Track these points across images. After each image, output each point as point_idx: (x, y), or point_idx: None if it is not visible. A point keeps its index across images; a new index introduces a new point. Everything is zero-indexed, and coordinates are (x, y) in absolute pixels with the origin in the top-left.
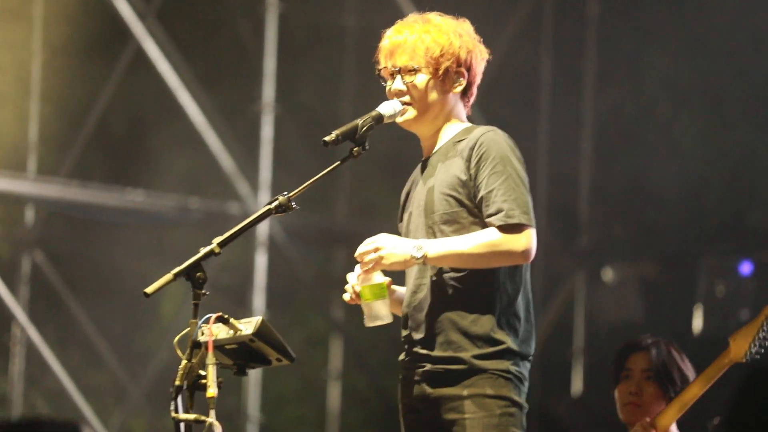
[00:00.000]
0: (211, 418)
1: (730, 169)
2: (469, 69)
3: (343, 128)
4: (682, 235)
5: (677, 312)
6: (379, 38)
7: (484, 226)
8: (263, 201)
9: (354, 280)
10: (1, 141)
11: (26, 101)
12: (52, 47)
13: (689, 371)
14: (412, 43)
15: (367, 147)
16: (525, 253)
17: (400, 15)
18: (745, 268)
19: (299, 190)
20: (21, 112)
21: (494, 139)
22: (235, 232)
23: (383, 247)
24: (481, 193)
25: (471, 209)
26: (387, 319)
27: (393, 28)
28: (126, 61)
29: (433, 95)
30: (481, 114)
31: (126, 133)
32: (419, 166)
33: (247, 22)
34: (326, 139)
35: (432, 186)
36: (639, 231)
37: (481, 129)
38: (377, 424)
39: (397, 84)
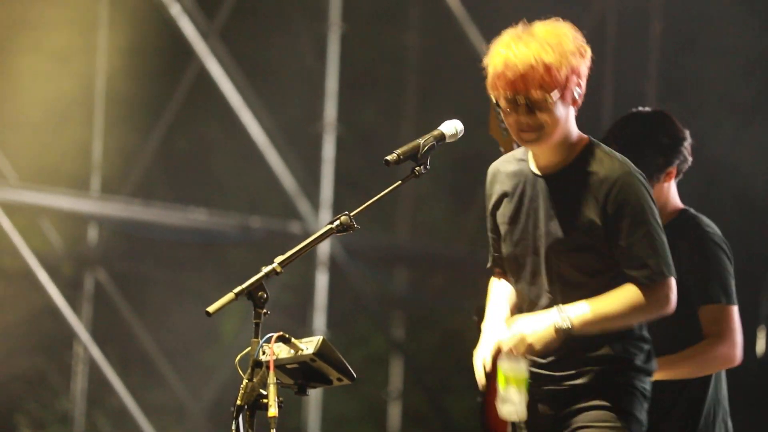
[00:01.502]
0: None
1: None
2: (582, 77)
3: (405, 147)
4: (744, 256)
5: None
6: (440, 56)
7: (614, 268)
8: (324, 220)
9: (480, 359)
10: (66, 160)
11: (90, 120)
12: (115, 66)
13: None
14: (539, 69)
15: (428, 166)
16: (670, 306)
17: (462, 35)
18: None
19: (361, 209)
20: (85, 131)
21: (631, 183)
22: (296, 252)
23: (526, 334)
24: (621, 243)
25: (600, 252)
26: (521, 414)
27: (508, 51)
28: (189, 80)
29: (561, 118)
30: None
31: (189, 152)
32: (531, 176)
33: (310, 41)
34: (388, 158)
35: (560, 214)
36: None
37: (616, 167)
38: None
39: (525, 115)
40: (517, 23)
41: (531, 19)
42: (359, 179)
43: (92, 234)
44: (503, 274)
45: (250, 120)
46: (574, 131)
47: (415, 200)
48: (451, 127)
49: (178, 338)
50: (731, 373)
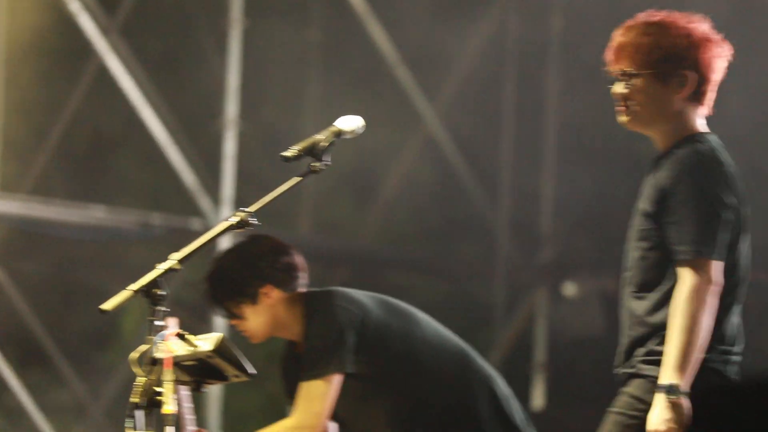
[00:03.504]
0: None
1: None
2: (696, 68)
3: (303, 143)
4: None
5: None
6: (341, 52)
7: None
8: (225, 217)
9: None
10: None
11: None
12: (13, 63)
13: None
14: (633, 45)
15: (328, 162)
16: (714, 285)
17: (363, 31)
18: None
19: (259, 206)
20: None
21: (690, 159)
22: (194, 248)
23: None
24: (669, 218)
25: (659, 228)
26: None
27: (623, 26)
28: (89, 76)
29: (651, 98)
30: (445, 130)
31: (88, 149)
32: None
33: (210, 37)
34: (285, 154)
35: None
36: (601, 246)
37: (688, 147)
38: None
39: (618, 87)
40: (418, 20)
41: (431, 18)
42: (261, 176)
43: None
44: None
45: (151, 116)
46: (686, 126)
47: (317, 196)
48: (350, 123)
49: (77, 337)
50: None
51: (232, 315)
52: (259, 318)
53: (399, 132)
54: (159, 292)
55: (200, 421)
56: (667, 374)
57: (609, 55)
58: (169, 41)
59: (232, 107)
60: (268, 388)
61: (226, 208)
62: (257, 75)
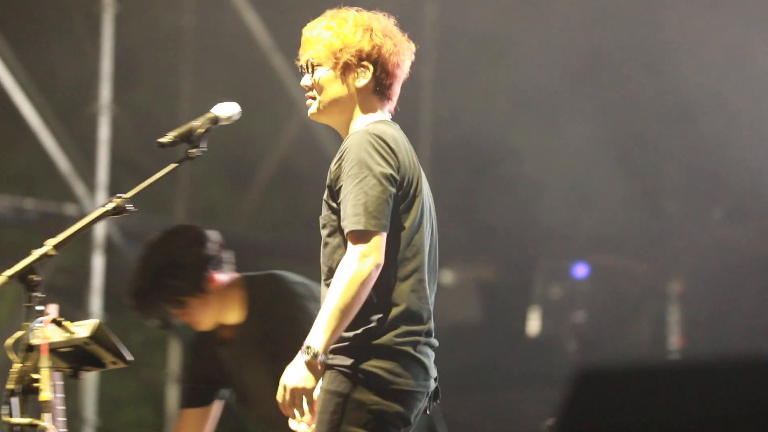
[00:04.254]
0: (46, 422)
1: (566, 172)
2: (376, 63)
3: (179, 130)
4: (518, 238)
5: (513, 314)
6: (215, 38)
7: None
8: (100, 202)
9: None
10: None
11: None
12: None
13: None
14: (315, 37)
15: (204, 148)
16: (373, 257)
17: (238, 17)
18: (580, 270)
19: (135, 192)
20: None
21: (355, 141)
22: (69, 234)
23: (288, 385)
24: (341, 197)
25: (336, 212)
26: None
27: (309, 23)
28: None
29: (334, 90)
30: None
31: None
32: None
33: (83, 22)
34: (161, 140)
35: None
36: (476, 234)
37: (356, 132)
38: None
39: (305, 79)
40: (291, 6)
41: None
42: (136, 161)
43: None
44: None
45: (23, 101)
46: (368, 118)
47: (192, 182)
48: (226, 110)
49: None
50: (507, 352)
51: (176, 308)
52: (205, 306)
53: (275, 118)
54: (34, 277)
55: (75, 406)
56: (314, 337)
57: (300, 46)
58: (40, 23)
59: (105, 92)
60: (144, 374)
61: (101, 194)
62: (130, 60)
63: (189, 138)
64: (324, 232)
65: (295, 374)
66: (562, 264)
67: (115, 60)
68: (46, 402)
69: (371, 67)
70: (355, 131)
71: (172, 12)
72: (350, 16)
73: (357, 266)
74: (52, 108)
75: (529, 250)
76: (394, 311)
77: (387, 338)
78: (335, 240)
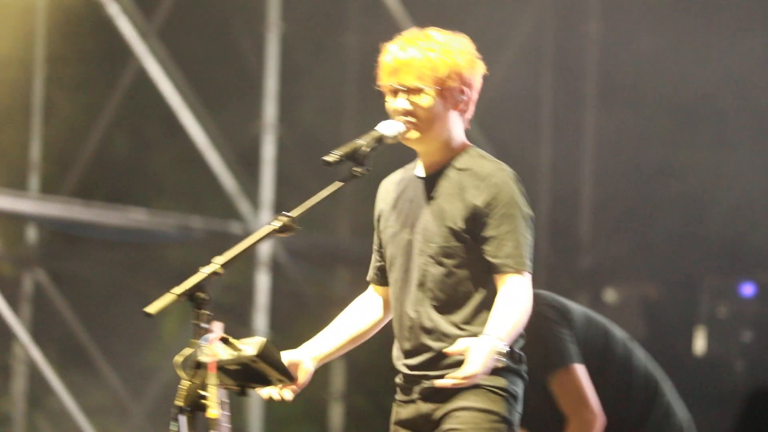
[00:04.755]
0: None
1: (732, 190)
2: (470, 86)
3: (344, 148)
4: (683, 256)
5: (679, 333)
6: (378, 57)
7: (482, 261)
8: (264, 220)
9: None
10: (4, 159)
11: (28, 119)
12: (54, 65)
13: None
14: (418, 62)
15: (369, 167)
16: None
17: (402, 33)
18: (747, 289)
19: (301, 211)
20: (23, 131)
21: (505, 180)
22: (236, 253)
23: (481, 365)
24: (489, 233)
25: (470, 245)
26: None
27: (395, 44)
28: (128, 80)
29: (437, 115)
30: (483, 134)
31: (128, 152)
32: (414, 180)
33: (249, 41)
34: (327, 159)
35: (434, 212)
36: (641, 251)
37: (490, 163)
38: None
39: (402, 103)
40: (453, 22)
41: (469, 20)
42: (300, 179)
43: (31, 234)
44: (379, 282)
45: (190, 120)
46: (458, 137)
47: (355, 200)
48: (391, 128)
49: (118, 338)
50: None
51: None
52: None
53: None
54: (202, 295)
55: (242, 424)
56: (504, 337)
57: (387, 68)
58: (207, 45)
59: (270, 111)
60: (308, 392)
61: (266, 212)
62: (295, 78)
63: (354, 156)
64: (449, 262)
65: (487, 358)
66: (728, 282)
67: (280, 79)
68: (213, 419)
69: (468, 92)
70: (489, 167)
71: (337, 30)
72: (447, 38)
73: (529, 300)
74: (218, 127)
75: (695, 268)
76: (522, 342)
77: (523, 367)
78: (463, 272)
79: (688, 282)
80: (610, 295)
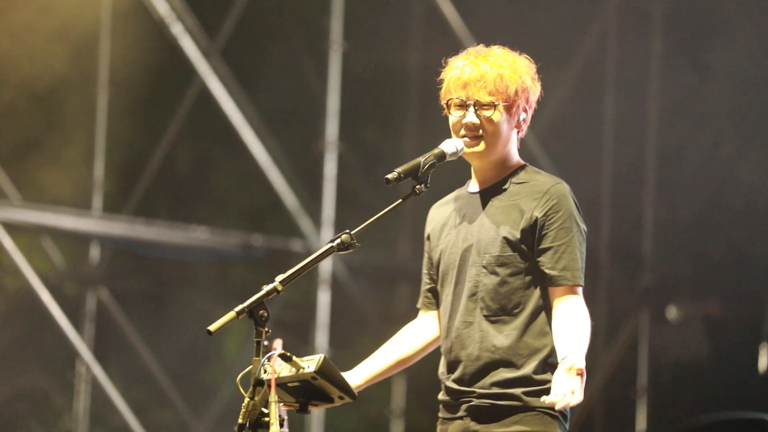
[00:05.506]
0: None
1: None
2: (531, 107)
3: (405, 166)
4: (747, 273)
5: (742, 351)
6: (440, 75)
7: (537, 270)
8: (326, 238)
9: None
10: (67, 179)
11: (92, 139)
12: (117, 85)
13: None
14: (491, 77)
15: (429, 184)
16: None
17: (464, 51)
18: None
19: (362, 228)
20: (87, 150)
21: (563, 193)
22: (297, 270)
23: (567, 393)
24: (546, 244)
25: (525, 254)
26: None
27: (465, 59)
28: (190, 98)
29: (504, 131)
30: (545, 150)
31: (190, 170)
32: (468, 196)
33: (311, 60)
34: (388, 176)
35: (489, 225)
36: (703, 268)
37: (548, 178)
38: None
39: (471, 117)
40: (515, 41)
41: (531, 37)
42: (361, 197)
43: (94, 253)
44: (427, 306)
45: (252, 138)
46: (515, 155)
47: (415, 218)
48: (452, 146)
49: (180, 357)
50: (734, 390)
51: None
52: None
53: None
54: (263, 313)
55: None
56: (578, 354)
57: (457, 82)
58: (269, 63)
59: (332, 129)
60: (368, 409)
61: (327, 229)
62: (357, 97)
63: (415, 174)
64: (503, 271)
65: (579, 384)
66: None
67: (342, 97)
68: None
69: (528, 112)
70: (547, 180)
71: (399, 49)
72: (514, 58)
73: (588, 315)
74: (280, 145)
75: (759, 284)
76: None
77: None
78: (517, 281)
79: (751, 299)
80: (672, 312)
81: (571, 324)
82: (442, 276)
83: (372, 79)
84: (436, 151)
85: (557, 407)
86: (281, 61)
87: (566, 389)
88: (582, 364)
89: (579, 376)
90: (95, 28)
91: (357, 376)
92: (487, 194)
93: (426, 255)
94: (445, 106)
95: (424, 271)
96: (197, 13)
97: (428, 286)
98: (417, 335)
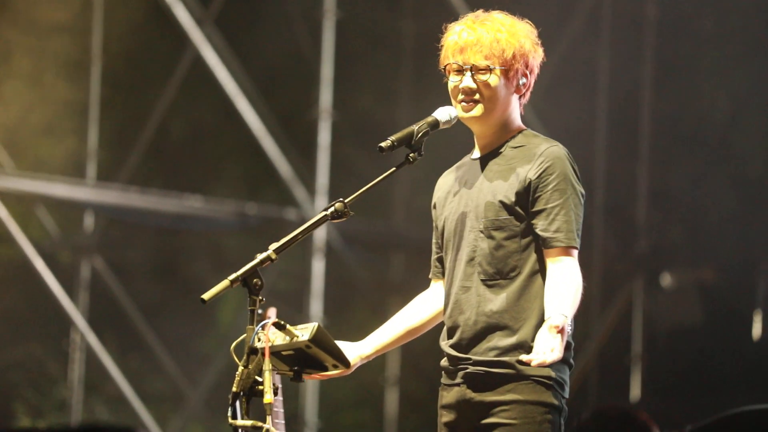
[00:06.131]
0: (268, 424)
1: None
2: (531, 71)
3: (399, 134)
4: (741, 240)
5: (736, 318)
6: (435, 42)
7: (533, 234)
8: (320, 207)
9: None
10: (61, 148)
11: (85, 108)
12: (110, 54)
13: None
14: (487, 41)
15: (422, 152)
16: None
17: (457, 19)
18: None
19: (355, 196)
20: (80, 120)
21: (559, 155)
22: (291, 239)
23: (545, 351)
24: (540, 206)
25: (520, 217)
26: None
27: (463, 24)
28: (184, 67)
29: (502, 95)
30: (539, 117)
31: (184, 139)
32: (470, 162)
33: (304, 28)
34: (382, 145)
35: (486, 190)
36: (697, 236)
37: (544, 141)
38: (434, 429)
39: (468, 81)
40: (509, 10)
41: (526, 7)
42: (355, 165)
43: (88, 222)
44: (437, 275)
45: (246, 107)
46: (516, 120)
47: (410, 186)
48: (445, 114)
49: (175, 325)
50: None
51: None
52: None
53: None
54: (257, 281)
55: (296, 410)
56: (565, 312)
57: (454, 47)
58: (263, 32)
59: (326, 97)
60: (363, 378)
61: (321, 198)
62: (351, 65)
63: (409, 142)
64: (499, 235)
65: (560, 342)
66: None
67: (336, 65)
68: (268, 405)
69: (529, 77)
70: (544, 143)
71: (392, 16)
72: (513, 22)
73: (580, 277)
74: (273, 113)
75: (752, 252)
76: (572, 329)
77: (570, 353)
78: (513, 245)
79: (745, 266)
80: (666, 280)
81: (560, 285)
82: (446, 243)
83: (365, 48)
84: (429, 119)
85: (533, 364)
86: (275, 29)
87: (545, 347)
88: (560, 321)
89: (559, 334)
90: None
91: (367, 346)
92: (486, 159)
93: (434, 224)
94: (444, 71)
95: (434, 240)
96: None
97: (437, 255)
98: (427, 304)
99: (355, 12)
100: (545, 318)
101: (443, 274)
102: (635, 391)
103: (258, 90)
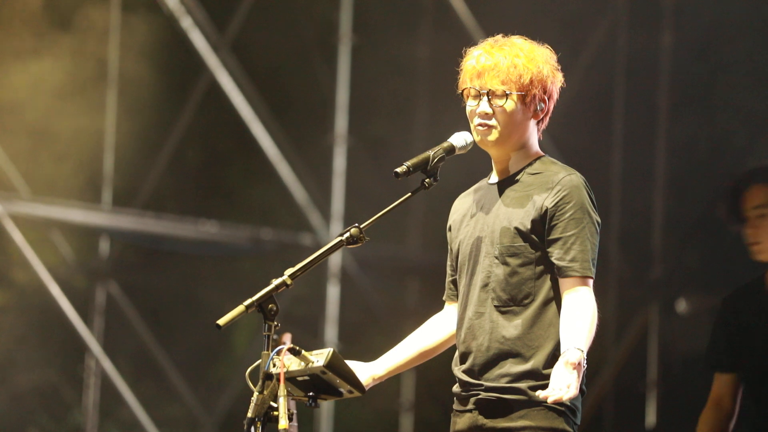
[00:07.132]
0: None
1: None
2: (550, 97)
3: (415, 159)
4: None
5: None
6: (450, 67)
7: (548, 261)
8: (335, 232)
9: None
10: (77, 172)
11: (101, 133)
12: (126, 78)
13: None
14: (504, 67)
15: (438, 178)
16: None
17: (473, 45)
18: None
19: (371, 222)
20: (96, 144)
21: (576, 184)
22: (306, 264)
23: (561, 388)
24: (556, 235)
25: (535, 244)
26: None
27: (481, 48)
28: (200, 92)
29: (518, 121)
30: (554, 143)
31: (200, 164)
32: (487, 187)
33: (320, 53)
34: (397, 170)
35: (503, 215)
36: (713, 262)
37: (562, 169)
38: None
39: (484, 106)
40: (524, 34)
41: (541, 29)
42: (370, 191)
43: (104, 247)
44: (451, 297)
45: (261, 132)
46: (534, 145)
47: (425, 211)
48: (461, 139)
49: (190, 351)
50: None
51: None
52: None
53: None
54: (272, 307)
55: None
56: (579, 345)
57: (472, 72)
58: (278, 57)
59: (341, 123)
60: (378, 403)
61: (336, 223)
62: (366, 90)
63: (425, 168)
64: (513, 261)
65: (576, 378)
66: None
67: (351, 91)
68: (283, 430)
69: (547, 102)
70: (561, 171)
71: (408, 42)
72: (532, 47)
73: (595, 307)
74: (289, 139)
75: None
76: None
77: (583, 380)
78: (527, 272)
79: None
80: (682, 305)
81: (575, 316)
82: (460, 267)
83: (381, 73)
84: (445, 144)
85: (549, 401)
86: (290, 54)
87: (561, 383)
88: (576, 357)
89: (575, 370)
90: (105, 21)
91: (379, 367)
92: (503, 185)
93: (449, 246)
94: (462, 95)
95: (448, 262)
96: (206, 6)
97: (451, 278)
98: (441, 327)
99: (371, 37)
100: (561, 351)
101: (457, 296)
102: (650, 418)
103: (273, 115)
